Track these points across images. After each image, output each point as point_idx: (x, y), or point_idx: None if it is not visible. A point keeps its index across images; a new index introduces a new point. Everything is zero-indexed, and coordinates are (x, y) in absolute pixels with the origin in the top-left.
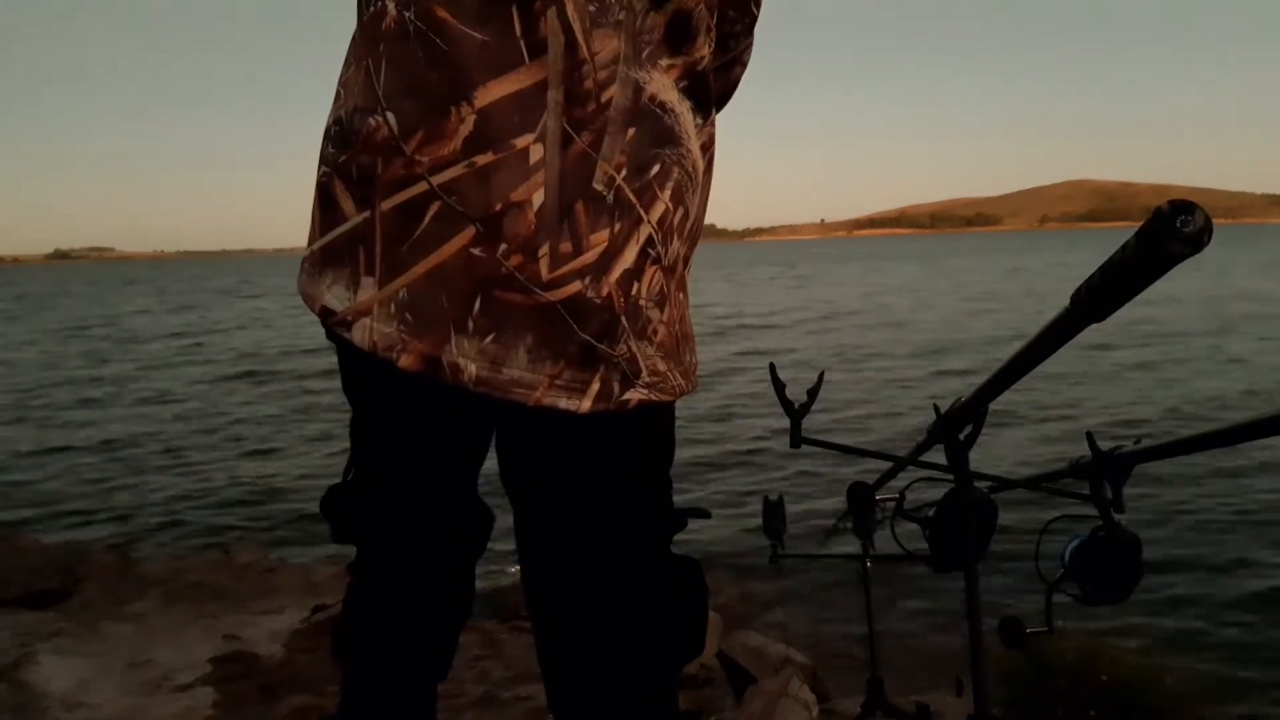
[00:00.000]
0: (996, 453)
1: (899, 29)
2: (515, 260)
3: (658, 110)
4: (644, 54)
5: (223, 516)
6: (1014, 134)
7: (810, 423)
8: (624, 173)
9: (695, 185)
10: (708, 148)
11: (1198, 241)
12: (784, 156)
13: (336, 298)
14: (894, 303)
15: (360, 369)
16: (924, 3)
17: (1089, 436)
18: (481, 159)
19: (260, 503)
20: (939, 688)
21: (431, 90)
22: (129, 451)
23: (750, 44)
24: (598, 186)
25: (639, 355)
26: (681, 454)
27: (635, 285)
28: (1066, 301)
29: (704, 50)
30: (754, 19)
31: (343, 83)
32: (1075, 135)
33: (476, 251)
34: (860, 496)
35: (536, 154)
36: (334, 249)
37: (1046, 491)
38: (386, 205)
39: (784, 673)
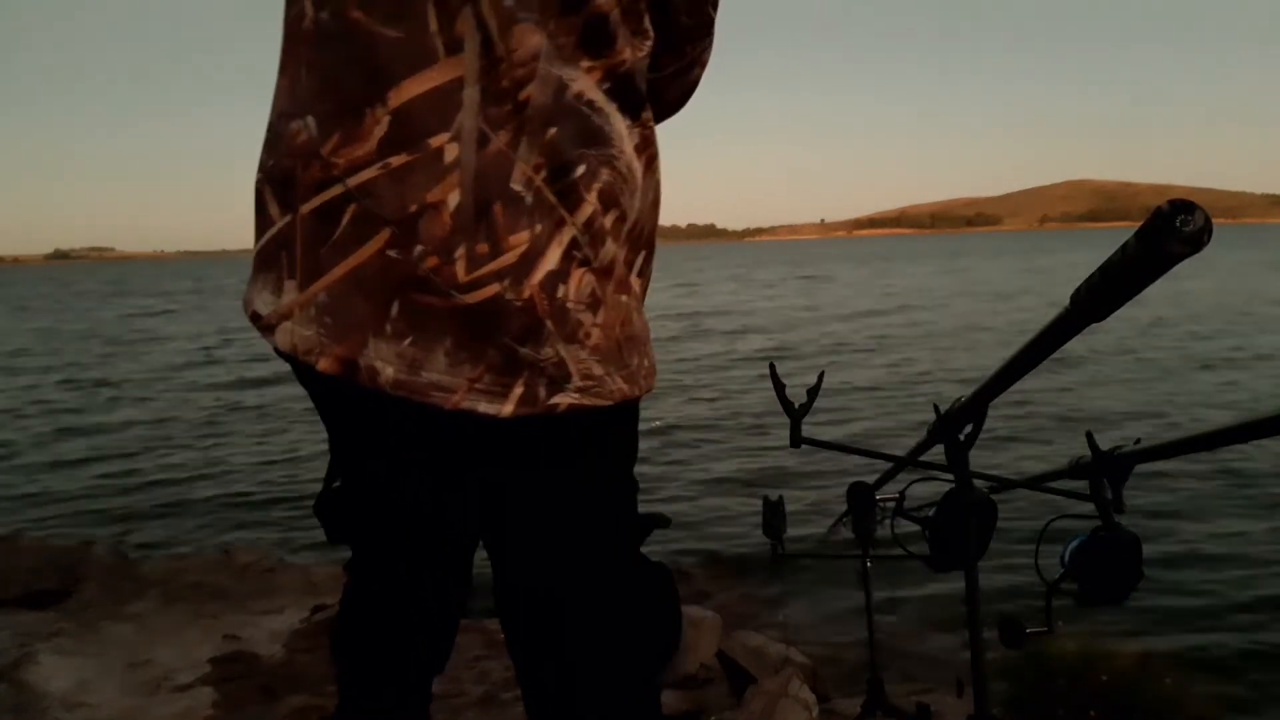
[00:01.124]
0: (996, 452)
1: (899, 29)
2: (431, 262)
3: (585, 109)
4: (564, 53)
5: (223, 517)
6: (1014, 134)
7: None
8: (544, 173)
9: (631, 187)
10: (644, 149)
11: (1197, 241)
12: (783, 156)
13: (264, 302)
14: (915, 304)
15: (299, 374)
16: (923, 3)
17: (1089, 436)
18: (396, 160)
19: (260, 503)
20: (939, 687)
21: (347, 91)
22: (130, 451)
23: (709, 44)
24: (516, 187)
25: (568, 359)
26: (682, 453)
27: (561, 288)
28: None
29: (625, 54)
30: (710, 20)
31: (275, 88)
32: (1075, 135)
33: (393, 254)
34: (860, 496)
35: (452, 154)
36: (265, 254)
37: (1046, 491)
38: (306, 208)
39: (784, 673)
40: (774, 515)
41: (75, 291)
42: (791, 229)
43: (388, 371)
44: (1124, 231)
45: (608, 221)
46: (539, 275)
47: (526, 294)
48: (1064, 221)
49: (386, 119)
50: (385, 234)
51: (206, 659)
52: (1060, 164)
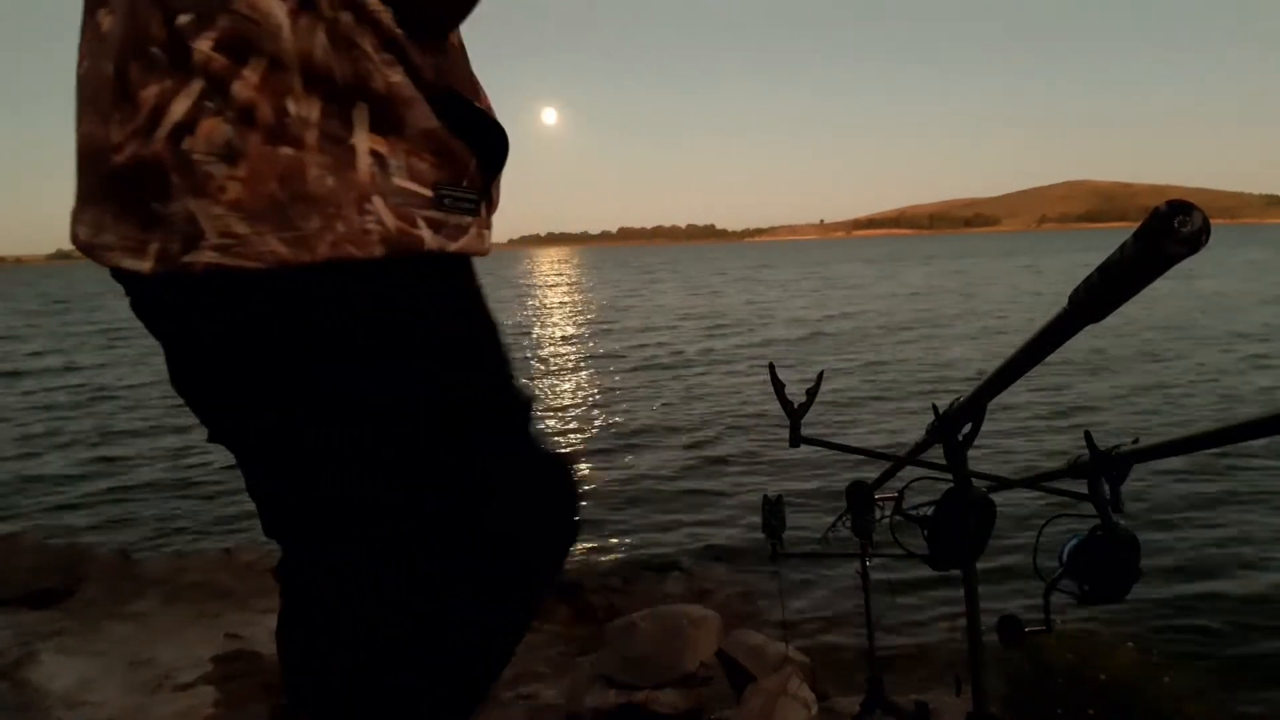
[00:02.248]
0: (995, 452)
1: (898, 30)
2: (99, 130)
3: None
4: None
5: (224, 515)
6: (1012, 135)
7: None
8: (165, 29)
9: (265, 29)
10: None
11: (1195, 242)
12: (783, 157)
13: None
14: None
15: None
16: (922, 4)
17: (1087, 436)
18: (88, 47)
19: None
20: (938, 686)
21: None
22: (131, 451)
23: None
24: (151, 47)
25: (199, 214)
26: (681, 451)
27: (187, 139)
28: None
29: None
30: None
31: None
32: (1073, 136)
33: (84, 129)
34: (859, 496)
35: (108, 25)
36: None
37: (1045, 491)
38: None
39: (783, 671)
40: (773, 514)
41: (81, 292)
42: (791, 229)
43: (82, 234)
44: (1122, 232)
45: (242, 70)
46: (165, 129)
47: (155, 149)
48: (1062, 222)
49: (90, 16)
50: (84, 112)
51: (208, 657)
52: (1058, 164)
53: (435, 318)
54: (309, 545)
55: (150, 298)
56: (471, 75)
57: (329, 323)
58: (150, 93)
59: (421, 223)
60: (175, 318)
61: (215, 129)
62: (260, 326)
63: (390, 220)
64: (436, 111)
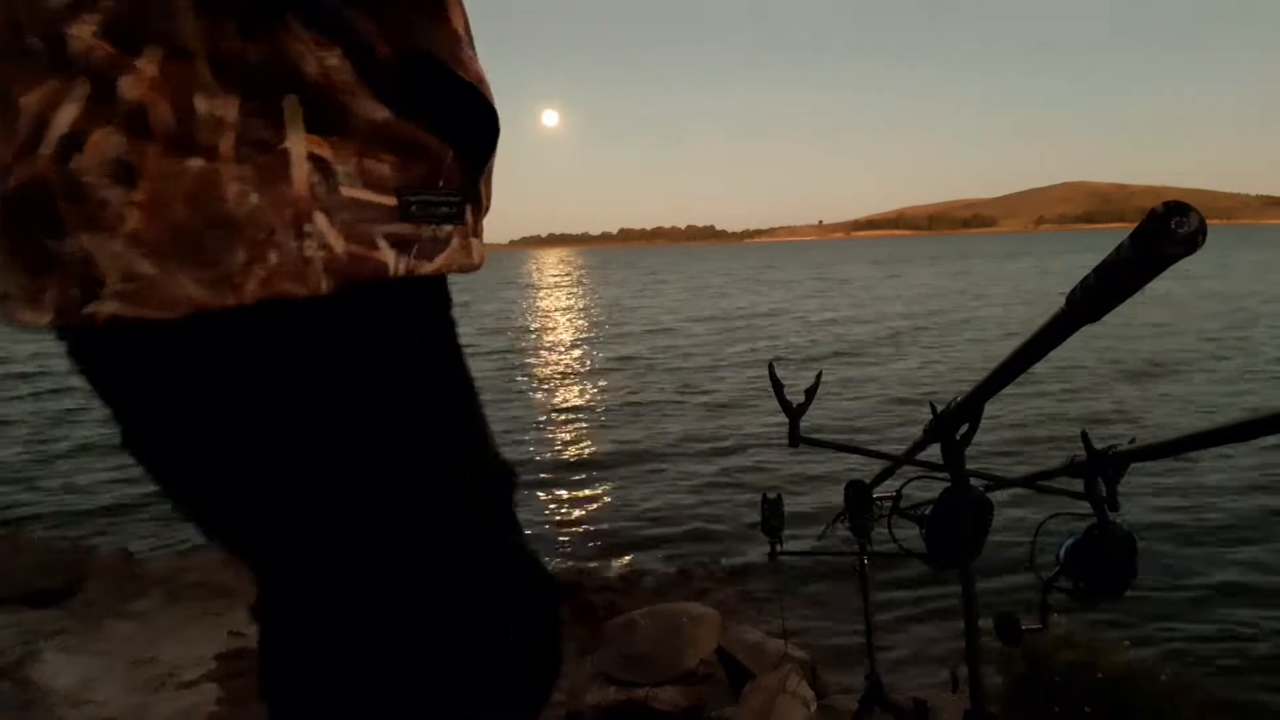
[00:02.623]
0: (993, 451)
1: (899, 30)
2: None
3: None
4: None
5: None
6: (1010, 136)
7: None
8: (45, 15)
9: (165, 6)
10: None
11: (1192, 243)
12: (782, 157)
13: None
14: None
15: None
16: (923, 4)
17: (1084, 435)
18: None
19: None
20: (936, 684)
21: None
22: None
23: None
24: (27, 37)
25: (96, 253)
26: (681, 452)
27: (74, 156)
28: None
29: None
30: None
31: None
32: (1071, 137)
33: None
34: (858, 495)
35: None
36: None
37: (1042, 490)
38: None
39: (782, 669)
40: (772, 513)
41: None
42: (790, 230)
43: None
44: (1119, 233)
45: (134, 61)
46: (49, 144)
47: (39, 169)
48: (1059, 223)
49: None
50: None
51: (211, 655)
52: (1056, 166)
53: (403, 360)
54: (299, 565)
55: (67, 351)
56: (457, 48)
57: (266, 380)
58: (32, 98)
59: (383, 242)
60: (90, 375)
61: (105, 141)
62: (181, 387)
63: (338, 243)
64: (398, 91)
